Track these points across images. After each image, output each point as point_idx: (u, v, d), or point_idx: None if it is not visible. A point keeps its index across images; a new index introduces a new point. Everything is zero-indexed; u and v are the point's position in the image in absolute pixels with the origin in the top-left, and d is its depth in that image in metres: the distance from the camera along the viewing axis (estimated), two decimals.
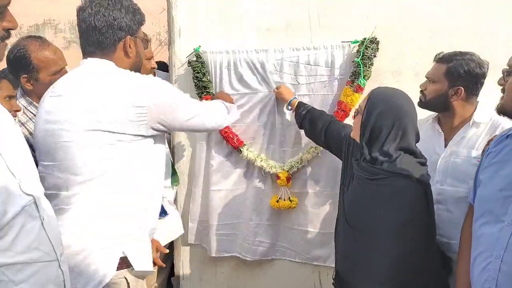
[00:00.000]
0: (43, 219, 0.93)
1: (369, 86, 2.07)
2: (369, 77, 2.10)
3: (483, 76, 1.64)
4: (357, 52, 2.08)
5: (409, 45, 2.00)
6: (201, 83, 2.22)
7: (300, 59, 2.16)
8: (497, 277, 1.06)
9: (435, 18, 2.06)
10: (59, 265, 0.96)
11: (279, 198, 2.22)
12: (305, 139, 2.19)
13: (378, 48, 2.07)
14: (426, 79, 1.76)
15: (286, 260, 2.38)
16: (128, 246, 1.29)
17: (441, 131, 1.74)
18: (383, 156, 1.43)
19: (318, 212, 2.26)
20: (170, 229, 2.02)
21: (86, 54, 1.36)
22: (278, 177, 2.21)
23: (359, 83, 2.06)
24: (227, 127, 2.19)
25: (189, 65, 2.25)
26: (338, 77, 2.14)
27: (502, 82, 1.14)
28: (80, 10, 1.32)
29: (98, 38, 1.32)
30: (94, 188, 1.24)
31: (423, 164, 1.45)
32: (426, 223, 1.37)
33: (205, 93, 2.23)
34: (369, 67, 2.08)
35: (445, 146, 1.70)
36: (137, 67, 1.43)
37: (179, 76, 2.34)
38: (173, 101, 1.40)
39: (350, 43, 2.10)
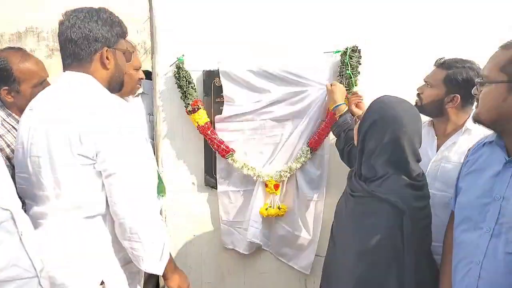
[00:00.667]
0: (21, 234, 0.92)
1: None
2: (355, 86, 2.13)
3: None
4: (341, 62, 2.11)
5: (393, 54, 2.03)
6: (185, 92, 2.22)
7: (286, 68, 2.18)
8: (477, 283, 1.08)
9: (420, 26, 2.10)
10: (39, 281, 0.95)
11: (268, 206, 2.23)
12: (295, 148, 2.21)
13: (361, 56, 2.09)
14: (424, 82, 1.78)
15: (275, 272, 2.37)
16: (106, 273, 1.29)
17: (435, 135, 1.77)
18: (368, 171, 1.37)
19: (306, 219, 2.28)
20: None
21: (65, 66, 1.36)
22: (266, 185, 2.21)
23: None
24: (214, 132, 2.21)
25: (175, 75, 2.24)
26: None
27: (476, 92, 1.16)
28: (60, 24, 1.34)
29: (74, 50, 1.31)
30: (61, 206, 1.22)
31: (415, 187, 1.34)
32: (394, 250, 1.27)
33: (190, 101, 2.23)
34: (355, 76, 2.11)
35: (436, 152, 1.73)
36: (118, 79, 1.42)
37: (163, 85, 2.33)
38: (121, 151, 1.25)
39: (333, 52, 2.13)
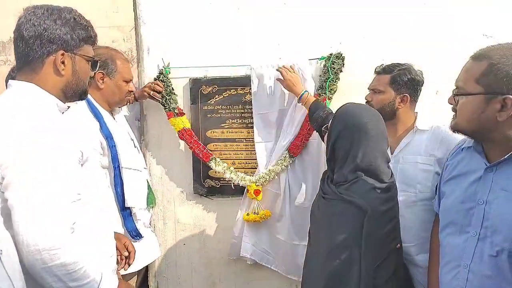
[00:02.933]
0: (1, 253, 0.90)
1: (336, 99, 2.14)
2: (335, 91, 2.15)
3: (423, 83, 1.78)
4: (324, 67, 2.14)
5: (372, 60, 2.06)
6: (167, 100, 2.23)
7: (270, 74, 2.20)
8: (465, 286, 1.10)
9: (397, 32, 2.14)
10: None
11: (249, 212, 2.23)
12: (276, 152, 2.21)
13: (343, 63, 2.13)
14: (369, 91, 1.83)
15: (266, 280, 2.37)
16: None
17: None
18: (339, 177, 1.42)
19: (291, 224, 2.26)
20: (145, 253, 1.91)
21: (17, 71, 1.20)
22: (247, 191, 2.22)
23: (326, 96, 2.12)
24: (193, 139, 2.23)
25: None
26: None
27: (452, 102, 1.18)
28: (18, 20, 1.17)
29: (24, 50, 1.14)
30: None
31: (382, 190, 1.38)
32: (358, 249, 1.31)
33: (170, 109, 2.24)
34: (335, 81, 2.13)
35: (391, 154, 1.77)
36: (75, 88, 1.23)
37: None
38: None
39: (318, 59, 2.16)
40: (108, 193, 1.72)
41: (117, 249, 1.44)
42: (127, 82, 1.90)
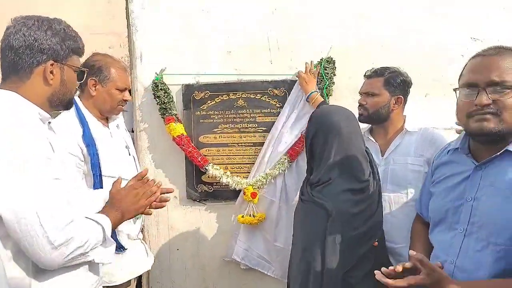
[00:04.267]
0: None
1: (330, 102, 2.15)
2: (330, 95, 2.17)
3: (411, 84, 1.81)
4: (318, 74, 2.16)
5: (363, 63, 2.08)
6: (163, 106, 2.26)
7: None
8: None
9: (387, 37, 2.17)
10: None
11: (245, 214, 2.24)
12: (273, 156, 2.23)
13: (335, 67, 2.14)
14: (361, 95, 1.84)
15: (257, 284, 2.37)
16: None
17: (375, 141, 1.83)
18: (314, 178, 1.45)
19: (288, 230, 2.27)
20: (131, 265, 1.87)
21: (2, 79, 1.21)
22: (244, 193, 2.23)
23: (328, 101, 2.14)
24: (191, 145, 2.23)
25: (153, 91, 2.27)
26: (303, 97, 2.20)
27: (488, 102, 1.17)
28: (6, 30, 1.18)
29: (13, 59, 1.16)
30: None
31: (357, 190, 1.39)
32: (320, 251, 1.35)
33: (166, 114, 2.25)
34: (329, 85, 2.15)
35: (382, 156, 1.78)
36: (61, 97, 1.23)
37: (142, 100, 2.34)
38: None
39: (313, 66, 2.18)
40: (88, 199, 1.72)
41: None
42: (121, 90, 1.86)
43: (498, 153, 1.07)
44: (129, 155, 1.98)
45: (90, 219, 1.19)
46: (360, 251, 1.36)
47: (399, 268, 0.96)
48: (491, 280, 1.03)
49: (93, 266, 1.26)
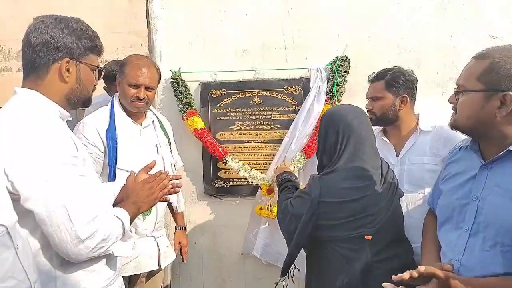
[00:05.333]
0: (17, 248, 0.94)
1: (343, 101, 2.17)
2: (343, 93, 2.19)
3: (417, 81, 1.80)
4: (331, 71, 2.18)
5: (378, 62, 2.09)
6: (183, 101, 2.33)
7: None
8: None
9: (402, 35, 2.16)
10: None
11: (262, 207, 2.30)
12: (288, 153, 2.26)
13: (349, 66, 2.16)
14: (368, 100, 1.85)
15: (275, 277, 2.41)
16: None
17: (389, 142, 1.83)
18: (321, 168, 1.53)
19: None
20: (135, 260, 1.91)
21: (23, 78, 1.25)
22: (261, 188, 2.29)
23: (336, 99, 2.16)
24: (211, 137, 2.30)
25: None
26: (317, 96, 2.22)
27: (453, 101, 1.21)
28: (27, 28, 1.21)
29: (31, 57, 1.18)
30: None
31: (354, 178, 1.44)
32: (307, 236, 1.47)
33: (189, 109, 2.32)
34: (343, 83, 2.17)
35: (396, 156, 1.79)
36: (79, 95, 1.26)
37: (161, 98, 2.42)
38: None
39: (326, 65, 2.21)
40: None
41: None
42: (133, 86, 1.87)
43: (501, 153, 1.08)
44: (158, 153, 2.02)
45: (110, 213, 1.25)
46: (340, 234, 1.45)
47: (406, 276, 0.99)
48: (499, 277, 1.04)
49: (112, 259, 1.32)
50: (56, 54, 1.19)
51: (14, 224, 0.96)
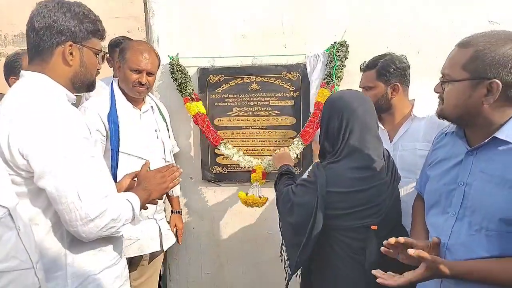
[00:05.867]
0: (19, 229, 0.97)
1: (341, 87, 2.17)
2: (341, 78, 2.18)
3: (409, 67, 1.80)
4: (329, 55, 2.17)
5: (378, 47, 2.08)
6: (181, 87, 2.32)
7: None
8: None
9: (402, 20, 2.15)
10: (35, 272, 1.01)
11: (247, 193, 2.24)
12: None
13: (348, 51, 2.15)
14: (361, 89, 1.85)
15: (272, 261, 2.44)
16: None
17: (384, 128, 1.84)
18: (330, 157, 1.49)
19: None
20: (137, 242, 1.96)
21: (29, 61, 1.28)
22: (253, 171, 2.26)
23: (334, 83, 2.15)
24: (207, 122, 2.29)
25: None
26: (313, 80, 2.23)
27: (439, 90, 1.21)
28: (31, 13, 1.24)
29: (35, 40, 1.21)
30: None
31: (361, 169, 1.42)
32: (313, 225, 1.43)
33: (187, 95, 2.31)
34: (341, 69, 2.16)
35: (390, 142, 1.80)
36: (83, 78, 1.29)
37: (159, 83, 2.41)
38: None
39: (325, 50, 2.19)
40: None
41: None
42: (136, 72, 1.91)
43: (487, 140, 1.09)
44: (157, 138, 2.07)
45: (121, 196, 1.29)
46: (346, 225, 1.44)
47: (392, 240, 1.09)
48: (483, 260, 1.07)
49: (117, 240, 1.37)
50: (59, 38, 1.21)
51: (15, 207, 0.99)
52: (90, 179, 1.17)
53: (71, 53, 1.24)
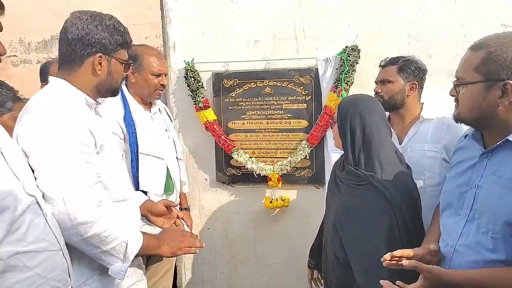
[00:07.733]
0: (46, 216, 1.08)
1: (353, 91, 2.20)
2: (352, 82, 2.21)
3: (426, 72, 1.84)
4: (340, 59, 2.20)
5: (389, 51, 2.10)
6: (193, 93, 2.40)
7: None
8: (449, 264, 1.16)
9: (413, 24, 2.17)
10: (63, 254, 1.11)
11: (272, 199, 2.35)
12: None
13: (359, 56, 2.18)
14: (376, 84, 1.88)
15: (284, 262, 2.49)
16: None
17: (392, 129, 1.84)
18: (367, 165, 1.46)
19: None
20: None
21: (58, 67, 1.35)
22: (269, 179, 2.34)
23: (342, 88, 2.19)
24: (220, 130, 2.36)
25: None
26: (324, 84, 2.26)
27: (454, 93, 1.22)
28: (64, 23, 1.31)
29: (67, 50, 1.28)
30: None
31: (411, 177, 1.46)
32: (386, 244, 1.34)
33: (196, 103, 2.39)
34: (351, 73, 2.19)
35: (399, 144, 1.82)
36: (108, 86, 1.36)
37: (174, 87, 2.49)
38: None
39: (337, 55, 2.22)
40: (126, 176, 1.78)
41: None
42: (156, 76, 2.00)
43: (499, 142, 1.10)
44: (169, 138, 2.15)
45: (124, 222, 1.28)
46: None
47: (397, 253, 1.13)
48: (481, 269, 1.07)
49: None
50: (90, 49, 1.28)
51: (41, 196, 1.10)
52: (78, 184, 1.17)
53: (100, 64, 1.30)
